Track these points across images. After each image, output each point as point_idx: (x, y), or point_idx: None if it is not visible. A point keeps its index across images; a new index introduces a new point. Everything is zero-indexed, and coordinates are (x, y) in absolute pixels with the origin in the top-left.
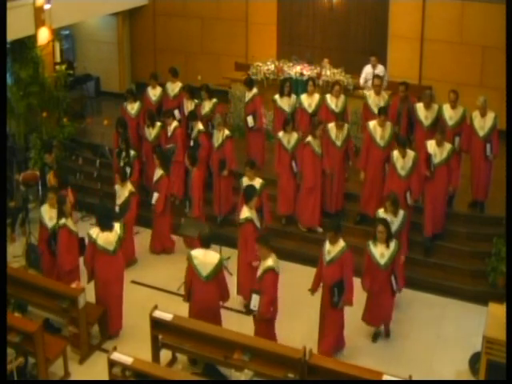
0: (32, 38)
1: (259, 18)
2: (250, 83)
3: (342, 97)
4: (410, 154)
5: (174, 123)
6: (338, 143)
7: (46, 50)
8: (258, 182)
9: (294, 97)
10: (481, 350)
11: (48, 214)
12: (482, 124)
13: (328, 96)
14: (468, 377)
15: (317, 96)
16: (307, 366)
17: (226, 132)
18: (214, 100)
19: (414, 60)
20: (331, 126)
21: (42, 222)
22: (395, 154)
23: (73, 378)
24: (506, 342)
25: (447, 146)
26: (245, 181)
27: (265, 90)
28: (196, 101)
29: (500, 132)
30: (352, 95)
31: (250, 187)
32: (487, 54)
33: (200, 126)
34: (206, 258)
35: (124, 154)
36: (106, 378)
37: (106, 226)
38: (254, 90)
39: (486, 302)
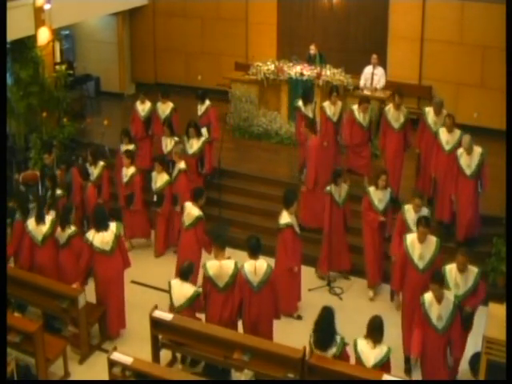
0: (32, 38)
1: (259, 17)
2: (201, 96)
3: (369, 111)
4: (448, 294)
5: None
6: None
7: (46, 50)
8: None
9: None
10: (481, 350)
11: (39, 230)
12: (469, 162)
13: (355, 108)
14: (468, 377)
15: (339, 103)
16: (307, 366)
17: (182, 166)
18: (203, 138)
19: (414, 60)
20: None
21: (35, 239)
22: (426, 297)
23: (73, 377)
24: (506, 342)
25: (473, 271)
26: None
27: (265, 90)
28: (176, 138)
29: (500, 132)
30: (352, 95)
31: (290, 192)
32: (487, 54)
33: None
34: (221, 268)
35: (49, 193)
36: (106, 377)
37: (101, 226)
38: (207, 103)
39: (486, 302)
